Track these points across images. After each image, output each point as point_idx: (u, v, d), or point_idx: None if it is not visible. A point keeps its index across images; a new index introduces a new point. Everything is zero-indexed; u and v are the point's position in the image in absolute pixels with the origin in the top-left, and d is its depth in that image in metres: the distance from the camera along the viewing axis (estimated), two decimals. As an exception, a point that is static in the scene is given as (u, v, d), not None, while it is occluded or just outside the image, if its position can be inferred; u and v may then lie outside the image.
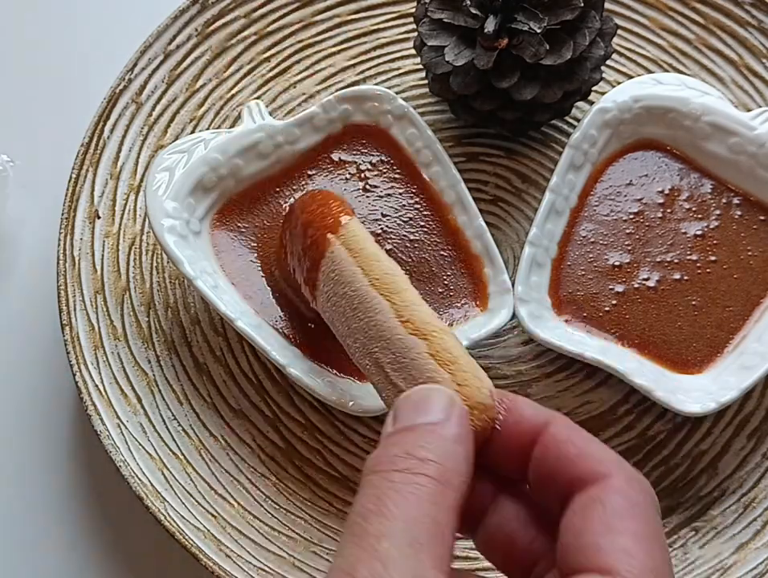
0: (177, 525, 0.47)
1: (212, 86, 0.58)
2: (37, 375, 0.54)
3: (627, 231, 0.52)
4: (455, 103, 0.54)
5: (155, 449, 0.50)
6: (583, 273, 0.51)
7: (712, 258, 0.51)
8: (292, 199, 0.53)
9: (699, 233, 0.52)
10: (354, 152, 0.54)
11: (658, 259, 0.51)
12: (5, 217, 0.57)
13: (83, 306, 0.52)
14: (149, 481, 0.48)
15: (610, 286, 0.51)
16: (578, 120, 0.53)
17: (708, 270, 0.51)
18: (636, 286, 0.51)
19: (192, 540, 0.47)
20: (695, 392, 0.48)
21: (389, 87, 0.55)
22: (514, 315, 0.49)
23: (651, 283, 0.51)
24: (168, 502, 0.48)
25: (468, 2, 0.50)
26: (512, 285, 0.50)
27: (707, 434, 0.51)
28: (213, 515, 0.49)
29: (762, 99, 0.57)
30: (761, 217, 0.52)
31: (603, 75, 0.54)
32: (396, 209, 0.52)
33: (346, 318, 0.39)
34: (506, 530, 0.33)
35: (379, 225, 0.52)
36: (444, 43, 0.51)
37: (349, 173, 0.53)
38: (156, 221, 0.49)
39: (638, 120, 0.53)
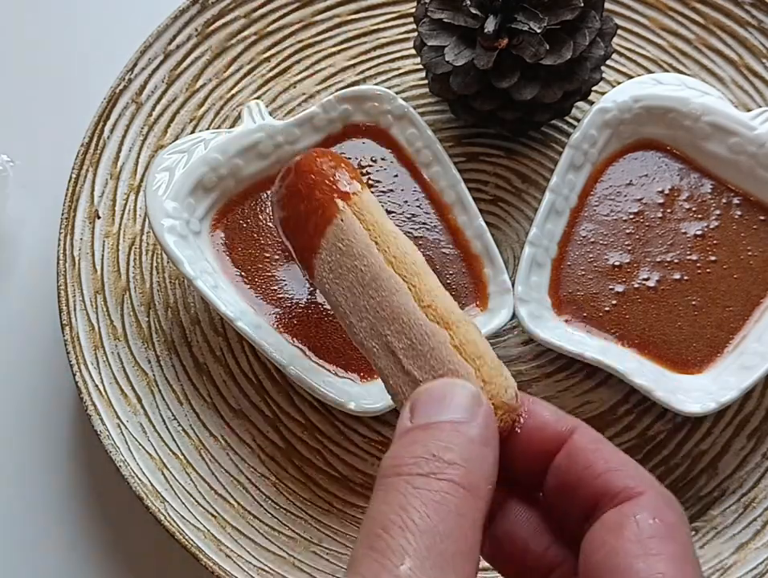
0: (177, 525, 0.47)
1: (212, 86, 0.58)
2: (37, 375, 0.54)
3: (627, 231, 0.52)
4: (455, 103, 0.54)
5: (155, 449, 0.50)
6: (583, 273, 0.51)
7: (712, 258, 0.51)
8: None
9: (699, 233, 0.52)
10: (354, 152, 0.54)
11: (658, 259, 0.51)
12: (5, 217, 0.57)
13: (83, 306, 0.52)
14: (149, 481, 0.48)
15: (610, 286, 0.51)
16: (578, 120, 0.53)
17: (708, 270, 0.51)
18: (636, 286, 0.51)
19: (192, 540, 0.47)
20: (695, 392, 0.48)
21: (389, 87, 0.55)
22: (514, 315, 0.49)
23: (651, 283, 0.51)
24: (168, 502, 0.48)
25: (468, 2, 0.50)
26: (512, 285, 0.50)
27: (707, 434, 0.51)
28: (213, 515, 0.49)
29: (762, 99, 0.57)
30: (761, 217, 0.52)
31: (603, 75, 0.54)
32: (396, 208, 0.52)
33: (353, 294, 0.36)
34: (517, 537, 0.32)
35: (379, 225, 0.52)
36: (444, 43, 0.51)
37: (349, 173, 0.53)
38: (156, 221, 0.49)
39: (638, 120, 0.53)
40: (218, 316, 0.52)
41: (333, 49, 0.59)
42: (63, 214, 0.53)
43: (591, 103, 0.54)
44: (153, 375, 0.51)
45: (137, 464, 0.49)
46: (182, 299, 0.53)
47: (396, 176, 0.53)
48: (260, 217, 0.52)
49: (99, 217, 0.54)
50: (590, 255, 0.51)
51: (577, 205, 0.52)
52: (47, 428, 0.53)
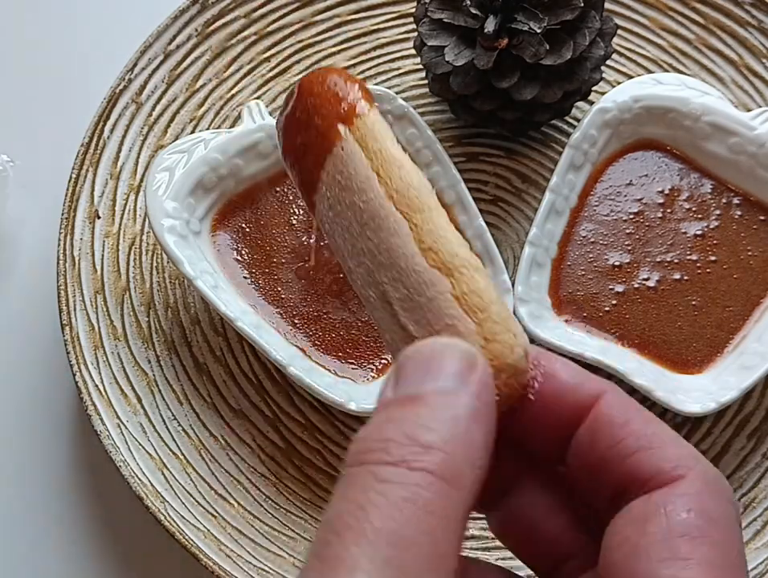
0: (177, 525, 0.47)
1: (212, 86, 0.58)
2: (37, 375, 0.54)
3: (627, 231, 0.52)
4: (455, 103, 0.54)
5: (155, 449, 0.50)
6: (583, 273, 0.51)
7: (712, 258, 0.51)
8: (291, 199, 0.53)
9: (699, 233, 0.52)
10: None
11: (658, 259, 0.51)
12: (5, 217, 0.57)
13: (83, 306, 0.52)
14: (149, 481, 0.48)
15: (610, 286, 0.51)
16: (578, 120, 0.53)
17: (708, 270, 0.51)
18: (636, 286, 0.51)
19: (192, 540, 0.47)
20: (695, 392, 0.48)
21: (389, 87, 0.55)
22: (514, 315, 0.49)
23: (651, 283, 0.51)
24: (168, 502, 0.48)
25: (468, 2, 0.50)
26: (512, 285, 0.50)
27: (707, 434, 0.51)
28: (213, 515, 0.49)
29: (762, 99, 0.57)
30: (761, 217, 0.52)
31: (603, 75, 0.54)
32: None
33: (351, 235, 0.31)
34: (530, 515, 0.27)
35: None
36: (444, 43, 0.51)
37: (349, 173, 0.53)
38: (156, 221, 0.49)
39: (638, 120, 0.53)
40: (218, 316, 0.52)
41: (333, 49, 0.59)
42: (63, 214, 0.53)
43: (591, 103, 0.54)
44: (153, 375, 0.51)
45: (137, 464, 0.49)
46: (182, 299, 0.53)
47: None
48: (260, 217, 0.52)
49: (99, 217, 0.54)
50: (590, 255, 0.51)
51: (577, 205, 0.52)
52: (47, 428, 0.53)
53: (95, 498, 0.52)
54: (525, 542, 0.28)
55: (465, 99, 0.53)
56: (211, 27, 0.58)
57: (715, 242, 0.52)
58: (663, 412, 0.51)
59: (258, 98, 0.57)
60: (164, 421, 0.51)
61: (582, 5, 0.49)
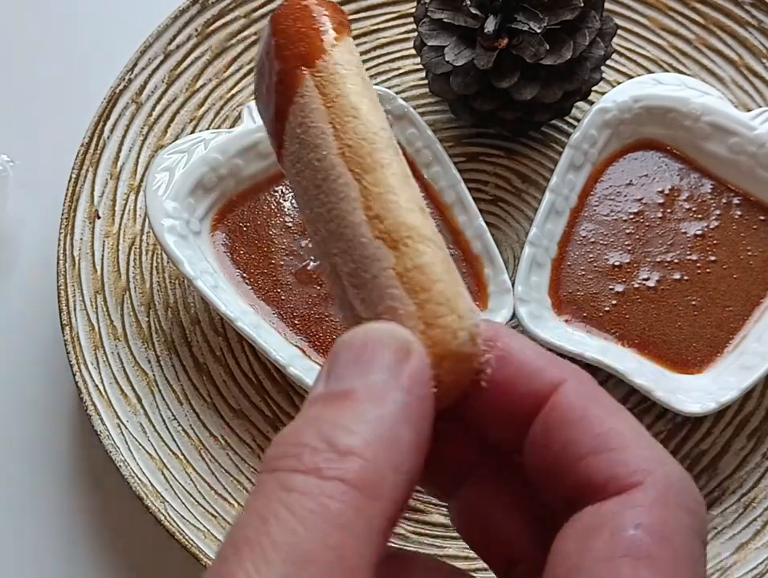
0: (177, 525, 0.47)
1: (212, 86, 0.58)
2: (37, 375, 0.54)
3: (627, 231, 0.52)
4: (455, 103, 0.54)
5: (155, 449, 0.50)
6: (583, 273, 0.51)
7: (712, 258, 0.51)
8: (291, 199, 0.53)
9: (699, 233, 0.52)
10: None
11: (658, 259, 0.51)
12: (5, 217, 0.57)
13: (83, 306, 0.52)
14: (149, 481, 0.48)
15: (610, 286, 0.51)
16: (578, 120, 0.53)
17: (708, 270, 0.51)
18: (636, 286, 0.51)
19: (192, 540, 0.47)
20: (695, 392, 0.48)
21: (389, 87, 0.55)
22: (514, 315, 0.49)
23: (651, 283, 0.51)
24: (168, 502, 0.48)
25: (468, 2, 0.50)
26: (512, 285, 0.50)
27: (707, 434, 0.51)
28: (213, 515, 0.49)
29: (762, 99, 0.57)
30: (761, 217, 0.52)
31: (603, 75, 0.54)
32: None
33: (309, 198, 0.27)
34: (485, 508, 0.25)
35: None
36: (444, 43, 0.51)
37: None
38: (156, 221, 0.49)
39: (638, 120, 0.53)
40: (218, 316, 0.52)
41: (333, 49, 0.59)
42: (63, 214, 0.53)
43: (591, 103, 0.54)
44: (153, 375, 0.51)
45: (137, 464, 0.49)
46: (182, 299, 0.53)
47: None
48: (260, 217, 0.52)
49: (99, 217, 0.54)
50: (590, 255, 0.51)
51: (577, 205, 0.52)
52: (47, 428, 0.53)
53: (95, 498, 0.52)
54: (480, 537, 0.25)
55: (465, 99, 0.53)
56: (211, 27, 0.58)
57: (715, 242, 0.52)
58: (663, 412, 0.51)
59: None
60: (164, 421, 0.51)
61: (582, 5, 0.49)
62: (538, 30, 0.49)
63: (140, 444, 0.49)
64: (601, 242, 0.52)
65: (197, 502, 0.49)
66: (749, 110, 0.55)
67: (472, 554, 0.47)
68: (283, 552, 0.19)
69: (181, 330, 0.53)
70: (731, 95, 0.57)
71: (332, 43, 0.28)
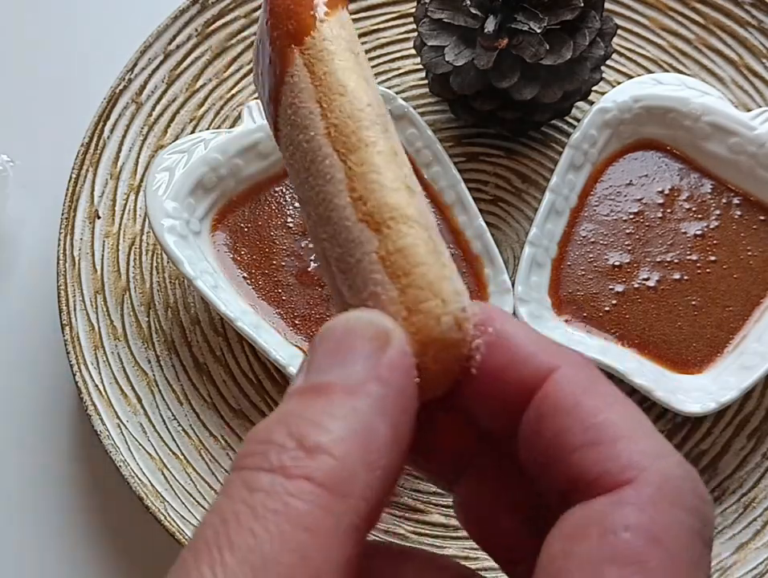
0: (177, 525, 0.47)
1: (212, 86, 0.58)
2: (37, 375, 0.54)
3: (627, 231, 0.52)
4: (455, 103, 0.54)
5: (155, 449, 0.50)
6: (583, 273, 0.51)
7: (712, 258, 0.51)
8: (291, 199, 0.53)
9: (699, 233, 0.52)
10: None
11: (658, 259, 0.51)
12: (5, 217, 0.57)
13: (83, 306, 0.52)
14: (149, 481, 0.48)
15: (610, 287, 0.51)
16: (578, 120, 0.53)
17: (708, 270, 0.51)
18: (636, 286, 0.51)
19: (192, 540, 0.47)
20: (695, 392, 0.48)
21: (389, 87, 0.55)
22: (514, 315, 0.49)
23: (651, 283, 0.51)
24: (168, 502, 0.48)
25: (468, 2, 0.50)
26: (512, 285, 0.50)
27: (707, 434, 0.51)
28: (213, 515, 0.48)
29: (762, 99, 0.57)
30: (761, 217, 0.52)
31: (603, 75, 0.54)
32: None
33: (300, 181, 0.26)
34: (483, 499, 0.24)
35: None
36: (444, 43, 0.51)
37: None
38: (156, 221, 0.49)
39: (638, 120, 0.53)
40: (218, 316, 0.52)
41: (333, 49, 0.59)
42: (63, 214, 0.53)
43: (591, 103, 0.54)
44: (153, 375, 0.51)
45: (137, 464, 0.49)
46: (182, 299, 0.53)
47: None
48: (260, 217, 0.52)
49: (99, 217, 0.54)
50: (590, 255, 0.51)
51: (577, 205, 0.52)
52: (47, 428, 0.53)
53: (95, 499, 0.52)
54: (480, 529, 0.24)
55: (465, 99, 0.53)
56: (211, 27, 0.58)
57: (715, 242, 0.52)
58: (663, 412, 0.51)
59: (258, 98, 0.57)
60: (164, 421, 0.51)
61: (582, 5, 0.49)
62: (538, 30, 0.49)
63: (140, 444, 0.49)
64: (601, 242, 0.52)
65: (197, 502, 0.49)
66: (749, 110, 0.55)
67: (472, 554, 0.47)
68: (240, 555, 0.18)
69: (181, 330, 0.53)
70: (731, 95, 0.57)
71: (322, 19, 0.27)
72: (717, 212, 0.52)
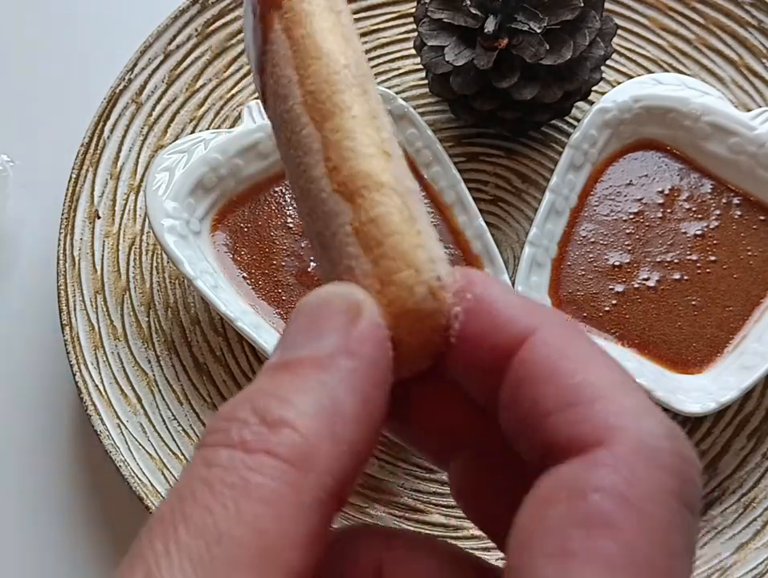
0: (177, 525, 0.47)
1: (212, 86, 0.58)
2: (37, 375, 0.54)
3: (627, 231, 0.52)
4: (455, 103, 0.54)
5: (155, 449, 0.50)
6: (583, 273, 0.51)
7: (712, 258, 0.51)
8: (291, 200, 0.53)
9: (699, 233, 0.52)
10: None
11: (658, 259, 0.51)
12: (5, 217, 0.57)
13: (83, 306, 0.52)
14: (149, 481, 0.48)
15: (610, 286, 0.51)
16: (578, 120, 0.53)
17: (708, 270, 0.51)
18: (636, 286, 0.51)
19: (192, 540, 0.47)
20: (695, 392, 0.48)
21: (389, 87, 0.55)
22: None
23: (651, 283, 0.51)
24: (168, 502, 0.48)
25: (468, 2, 0.50)
26: (513, 285, 0.50)
27: (707, 434, 0.51)
28: (213, 515, 0.48)
29: (762, 99, 0.57)
30: (761, 217, 0.52)
31: (603, 75, 0.54)
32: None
33: (285, 156, 0.25)
34: (478, 474, 0.23)
35: (379, 225, 0.52)
36: (444, 43, 0.51)
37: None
38: (156, 221, 0.49)
39: (638, 120, 0.53)
40: (218, 316, 0.52)
41: (333, 49, 0.59)
42: (63, 214, 0.53)
43: (591, 103, 0.54)
44: (153, 375, 0.51)
45: (137, 464, 0.49)
46: (182, 299, 0.53)
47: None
48: (260, 217, 0.52)
49: (99, 217, 0.54)
50: (590, 255, 0.51)
51: (577, 205, 0.52)
52: (47, 428, 0.53)
53: (95, 498, 0.52)
54: (476, 510, 0.23)
55: (465, 99, 0.53)
56: (211, 27, 0.58)
57: (715, 242, 0.52)
58: (663, 412, 0.51)
59: (258, 98, 0.57)
60: (164, 421, 0.51)
61: (582, 5, 0.49)
62: (538, 30, 0.49)
63: (140, 444, 0.49)
64: (601, 242, 0.52)
65: (197, 502, 0.49)
66: (749, 110, 0.55)
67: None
68: (194, 530, 0.17)
69: (181, 330, 0.53)
70: (731, 95, 0.57)
71: None
72: (717, 212, 0.52)
